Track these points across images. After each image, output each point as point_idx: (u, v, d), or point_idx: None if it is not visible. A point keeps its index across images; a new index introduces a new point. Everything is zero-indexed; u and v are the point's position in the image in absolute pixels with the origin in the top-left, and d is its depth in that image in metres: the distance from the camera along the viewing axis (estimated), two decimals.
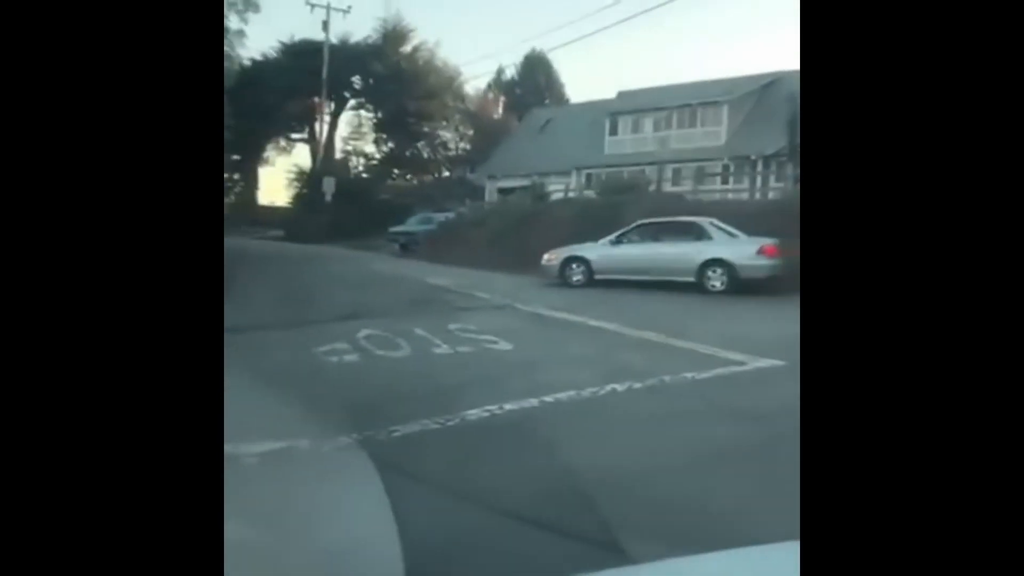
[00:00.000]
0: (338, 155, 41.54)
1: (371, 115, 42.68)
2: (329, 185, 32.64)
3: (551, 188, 25.02)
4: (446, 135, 45.72)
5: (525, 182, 28.11)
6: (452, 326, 8.84)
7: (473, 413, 4.95)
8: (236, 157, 39.84)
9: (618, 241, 14.22)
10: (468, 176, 37.50)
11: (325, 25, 34.46)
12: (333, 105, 39.84)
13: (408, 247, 24.98)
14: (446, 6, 66.95)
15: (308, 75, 35.27)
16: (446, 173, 43.29)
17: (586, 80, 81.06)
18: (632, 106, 30.31)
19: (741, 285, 12.50)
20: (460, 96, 44.78)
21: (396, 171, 43.94)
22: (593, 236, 14.55)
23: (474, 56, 66.46)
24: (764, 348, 7.05)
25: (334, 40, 36.55)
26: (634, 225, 14.47)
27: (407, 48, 40.33)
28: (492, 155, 36.05)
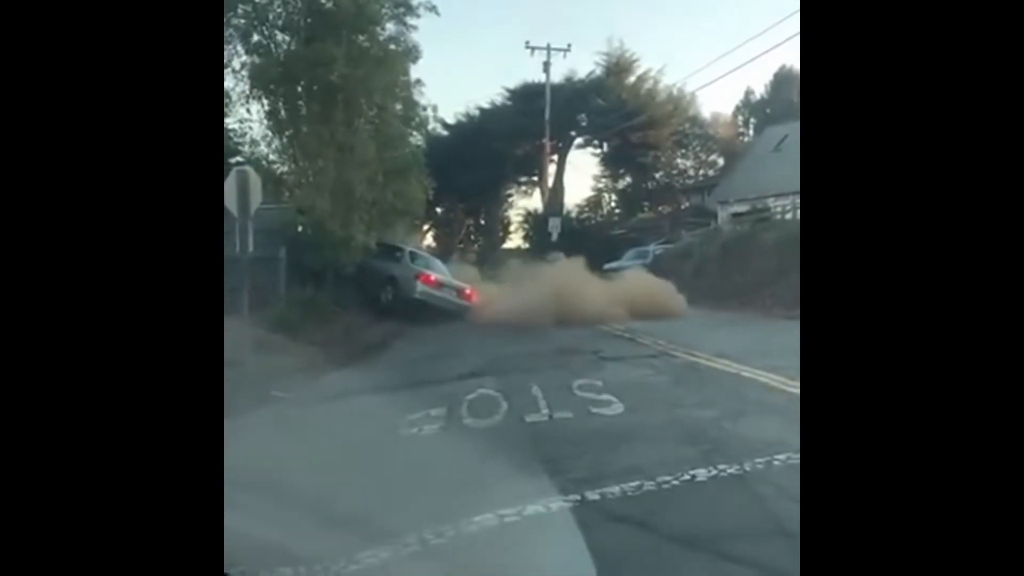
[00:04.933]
0: (568, 194, 41.33)
1: (598, 151, 42.10)
2: (555, 225, 32.41)
3: (776, 209, 22.68)
4: (685, 163, 43.85)
5: (759, 205, 25.83)
6: (577, 382, 7.67)
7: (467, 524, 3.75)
8: (469, 204, 41.10)
9: None
10: (705, 203, 35.57)
11: (546, 66, 34.68)
12: (560, 144, 39.73)
13: None
14: (675, 29, 65.03)
15: (533, 117, 35.50)
16: (687, 204, 41.37)
17: None
18: None
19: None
20: (697, 121, 42.83)
21: (635, 205, 42.83)
22: (795, 262, 12.53)
23: (714, 76, 63.26)
24: None
25: (558, 79, 36.61)
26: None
27: (631, 79, 39.35)
28: (724, 179, 33.97)
